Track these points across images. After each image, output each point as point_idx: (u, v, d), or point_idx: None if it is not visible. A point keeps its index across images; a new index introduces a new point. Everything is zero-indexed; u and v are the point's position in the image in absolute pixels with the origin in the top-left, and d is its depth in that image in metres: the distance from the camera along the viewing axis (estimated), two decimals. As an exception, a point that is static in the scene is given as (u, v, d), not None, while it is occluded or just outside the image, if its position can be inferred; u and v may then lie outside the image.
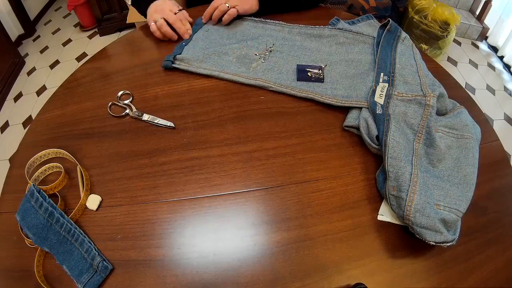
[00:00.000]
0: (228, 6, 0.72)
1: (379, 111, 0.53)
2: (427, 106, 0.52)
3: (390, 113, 0.52)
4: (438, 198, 0.44)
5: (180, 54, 0.66)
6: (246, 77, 0.62)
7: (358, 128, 0.53)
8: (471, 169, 0.47)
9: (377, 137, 0.50)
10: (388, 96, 0.55)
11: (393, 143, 0.47)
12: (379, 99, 0.55)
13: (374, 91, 0.56)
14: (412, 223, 0.42)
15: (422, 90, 0.55)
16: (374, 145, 0.51)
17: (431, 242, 0.41)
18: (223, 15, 0.73)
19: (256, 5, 0.75)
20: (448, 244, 0.41)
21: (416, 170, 0.45)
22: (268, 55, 0.66)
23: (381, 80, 0.59)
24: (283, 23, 0.73)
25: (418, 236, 0.42)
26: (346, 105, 0.56)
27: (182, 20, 0.73)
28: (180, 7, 0.75)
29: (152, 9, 0.73)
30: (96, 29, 2.36)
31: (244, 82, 0.62)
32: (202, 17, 0.76)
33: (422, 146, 0.49)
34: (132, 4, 0.81)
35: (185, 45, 0.70)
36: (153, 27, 0.71)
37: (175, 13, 0.72)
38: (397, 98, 0.55)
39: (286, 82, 0.61)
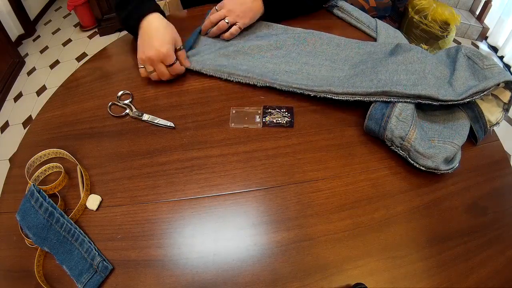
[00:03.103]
0: (228, 23, 0.66)
1: None
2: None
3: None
4: (432, 136, 0.49)
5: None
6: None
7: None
8: (463, 120, 0.52)
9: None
10: None
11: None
12: None
13: None
14: (410, 145, 0.47)
15: None
16: None
17: (421, 167, 0.46)
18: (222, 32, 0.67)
19: (257, 14, 0.68)
20: (441, 172, 0.46)
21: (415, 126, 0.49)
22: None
23: None
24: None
25: (411, 161, 0.47)
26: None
27: (176, 69, 0.60)
28: (180, 45, 0.62)
29: (143, 45, 0.60)
30: (96, 29, 2.37)
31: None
32: (202, 27, 0.69)
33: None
34: (115, 9, 0.70)
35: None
36: (142, 72, 0.61)
37: (172, 64, 0.59)
38: None
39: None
